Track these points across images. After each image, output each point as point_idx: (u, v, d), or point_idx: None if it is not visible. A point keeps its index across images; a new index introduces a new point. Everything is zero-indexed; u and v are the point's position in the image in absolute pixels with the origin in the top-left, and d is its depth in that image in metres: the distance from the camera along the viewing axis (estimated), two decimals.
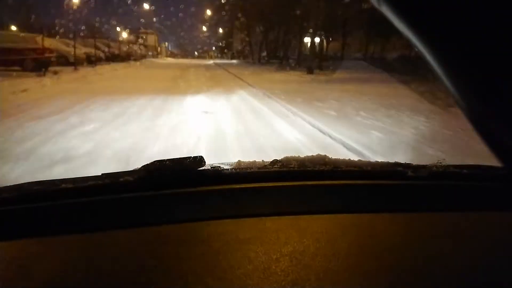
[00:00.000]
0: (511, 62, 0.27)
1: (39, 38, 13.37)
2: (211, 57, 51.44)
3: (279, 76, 14.46)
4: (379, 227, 0.71)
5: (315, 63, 16.05)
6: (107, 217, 0.72)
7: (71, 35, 18.27)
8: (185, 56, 53.31)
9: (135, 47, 33.63)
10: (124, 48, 26.40)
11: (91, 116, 5.62)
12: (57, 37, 18.38)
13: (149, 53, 36.75)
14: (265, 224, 0.70)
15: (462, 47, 0.29)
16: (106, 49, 22.76)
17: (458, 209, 0.78)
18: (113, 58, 22.15)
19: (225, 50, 50.04)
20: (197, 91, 9.44)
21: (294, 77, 13.94)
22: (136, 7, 39.30)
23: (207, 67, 24.09)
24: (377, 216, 0.75)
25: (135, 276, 0.55)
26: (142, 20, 41.65)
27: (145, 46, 40.59)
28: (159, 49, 46.16)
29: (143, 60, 29.94)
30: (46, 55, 12.96)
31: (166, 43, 54.59)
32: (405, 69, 12.88)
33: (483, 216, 0.77)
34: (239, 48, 47.44)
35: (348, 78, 12.34)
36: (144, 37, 41.91)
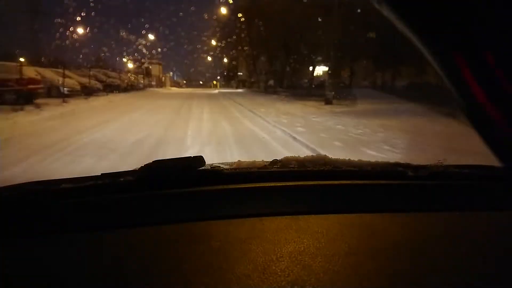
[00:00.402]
0: (511, 62, 0.27)
1: (25, 68, 11.96)
2: (215, 86, 50.68)
3: (294, 107, 12.80)
4: (379, 227, 0.70)
5: (330, 93, 14.36)
6: (106, 217, 0.71)
7: (62, 64, 17.11)
8: (190, 85, 52.64)
9: (139, 77, 32.66)
10: (127, 78, 25.18)
11: (53, 171, 3.83)
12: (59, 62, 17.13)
13: (152, 83, 35.67)
14: (265, 224, 0.69)
15: (462, 48, 0.29)
16: (105, 79, 21.52)
17: (458, 209, 0.77)
18: (112, 88, 20.83)
19: (230, 79, 49.45)
20: (199, 128, 7.69)
21: (311, 108, 12.25)
22: (141, 38, 38.95)
23: (212, 96, 22.65)
24: (377, 216, 0.73)
25: (135, 276, 0.54)
26: (146, 52, 41.15)
27: (149, 76, 39.81)
28: (163, 78, 45.41)
29: (146, 90, 28.74)
30: (31, 86, 11.45)
31: (171, 73, 54.21)
32: (425, 97, 11.16)
33: (483, 215, 0.76)
34: (244, 76, 46.75)
35: (375, 110, 10.59)
36: (149, 67, 41.23)
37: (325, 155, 0.95)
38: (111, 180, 0.76)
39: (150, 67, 41.15)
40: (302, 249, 0.61)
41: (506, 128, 0.30)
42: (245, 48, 34.58)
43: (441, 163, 0.92)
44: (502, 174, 0.81)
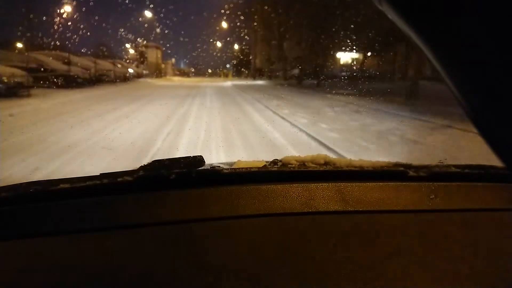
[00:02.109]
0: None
1: None
2: (226, 76, 42.26)
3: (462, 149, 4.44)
4: (379, 228, 0.69)
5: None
6: (105, 218, 0.70)
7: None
8: (196, 74, 44.31)
9: (128, 65, 24.45)
10: (93, 66, 16.79)
11: None
12: None
13: (144, 72, 27.25)
14: (265, 225, 0.68)
15: (464, 47, 0.29)
16: (55, 66, 13.45)
17: (459, 209, 0.77)
18: (69, 80, 12.76)
19: (242, 67, 41.60)
20: None
21: None
22: (136, 16, 30.54)
23: (226, 94, 14.39)
24: (378, 217, 0.73)
25: (134, 276, 0.54)
26: (141, 40, 32.90)
27: (144, 63, 31.54)
28: (163, 66, 36.97)
29: (132, 82, 20.53)
30: None
31: (173, 60, 45.51)
32: None
33: (483, 216, 0.75)
34: (260, 65, 38.67)
35: None
36: (144, 51, 32.89)
37: (326, 155, 0.92)
38: (110, 181, 0.75)
39: (146, 51, 32.82)
40: (302, 249, 0.60)
41: (507, 128, 0.29)
42: (270, 29, 27.35)
43: (442, 163, 0.92)
44: (503, 174, 0.82)
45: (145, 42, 33.12)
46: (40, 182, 0.75)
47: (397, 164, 0.88)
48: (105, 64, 18.63)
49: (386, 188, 0.80)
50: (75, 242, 0.63)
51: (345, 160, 0.92)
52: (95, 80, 15.44)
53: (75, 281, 0.53)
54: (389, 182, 0.81)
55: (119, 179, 0.74)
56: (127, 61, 28.59)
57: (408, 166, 0.86)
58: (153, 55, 33.49)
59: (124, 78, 20.68)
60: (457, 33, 0.28)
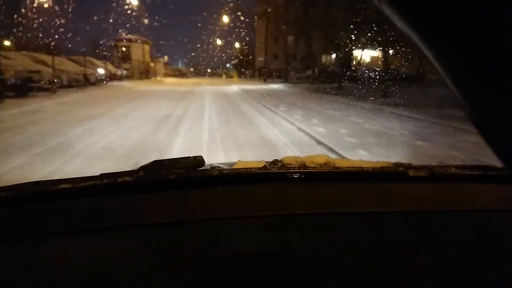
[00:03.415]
0: None
1: None
2: (228, 77, 35.87)
3: None
4: (380, 228, 0.69)
5: None
6: (105, 218, 0.70)
7: None
8: (195, 74, 37.88)
9: (99, 64, 18.02)
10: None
11: None
12: None
13: (118, 73, 20.60)
14: (265, 224, 0.68)
15: (463, 46, 0.29)
16: None
17: (459, 210, 0.76)
18: None
19: (244, 67, 35.61)
20: None
21: None
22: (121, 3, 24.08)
23: (238, 115, 7.98)
24: (378, 217, 0.73)
25: (134, 276, 0.54)
26: (125, 35, 26.55)
27: (126, 60, 25.08)
28: (152, 65, 30.41)
29: (91, 90, 14.09)
30: None
31: (166, 57, 38.87)
32: None
33: (483, 216, 0.75)
34: (269, 64, 32.52)
35: None
36: (128, 47, 26.40)
37: (326, 155, 0.92)
38: (110, 181, 0.75)
39: (130, 46, 26.28)
40: (302, 249, 0.61)
41: (507, 128, 0.29)
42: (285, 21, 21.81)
43: (441, 163, 0.91)
44: (503, 174, 0.81)
45: (129, 35, 26.65)
46: (40, 182, 0.75)
47: (397, 165, 0.88)
48: (48, 61, 12.14)
49: (386, 189, 0.80)
50: (75, 242, 0.63)
51: (345, 160, 0.93)
52: (13, 87, 8.96)
53: (75, 281, 0.53)
54: (389, 182, 0.82)
55: (119, 180, 0.74)
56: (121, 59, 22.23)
57: (408, 167, 0.85)
58: (139, 51, 26.90)
59: (86, 83, 14.21)
60: (457, 33, 0.28)
